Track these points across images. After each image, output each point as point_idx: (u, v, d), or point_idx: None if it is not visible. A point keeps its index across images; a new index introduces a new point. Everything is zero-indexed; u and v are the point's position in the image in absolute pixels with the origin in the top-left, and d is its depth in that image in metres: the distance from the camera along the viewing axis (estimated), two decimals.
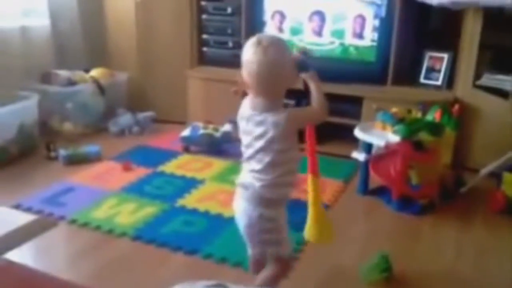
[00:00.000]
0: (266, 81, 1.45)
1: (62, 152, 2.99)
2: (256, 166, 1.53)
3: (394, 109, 2.63)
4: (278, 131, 1.46)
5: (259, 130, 1.49)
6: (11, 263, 1.85)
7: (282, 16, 3.36)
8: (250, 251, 1.69)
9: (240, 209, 1.61)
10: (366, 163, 2.63)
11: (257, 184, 1.53)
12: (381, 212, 2.52)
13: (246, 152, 1.56)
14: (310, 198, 1.74)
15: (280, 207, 1.60)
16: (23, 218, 1.24)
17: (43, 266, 1.93)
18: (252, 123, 1.51)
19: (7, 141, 2.93)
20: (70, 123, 3.36)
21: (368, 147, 2.64)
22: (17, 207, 2.41)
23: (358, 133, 2.62)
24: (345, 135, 3.08)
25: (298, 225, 2.31)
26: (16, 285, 1.68)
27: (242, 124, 1.55)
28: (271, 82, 1.46)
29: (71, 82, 3.41)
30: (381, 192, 2.64)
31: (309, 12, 3.26)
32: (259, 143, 1.50)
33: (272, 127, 1.47)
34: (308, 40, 3.30)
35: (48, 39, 3.56)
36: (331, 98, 3.10)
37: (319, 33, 3.28)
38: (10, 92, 3.09)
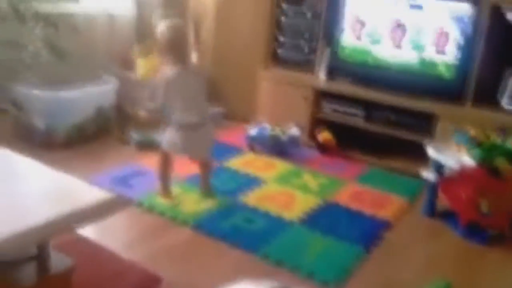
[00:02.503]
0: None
1: (134, 136, 3.11)
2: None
3: (472, 132, 2.52)
4: None
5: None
6: (82, 238, 1.95)
7: (362, 24, 3.31)
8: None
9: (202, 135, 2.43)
10: (435, 184, 2.54)
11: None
12: (446, 236, 2.42)
13: (189, 104, 2.36)
14: None
15: None
16: (100, 195, 1.28)
17: (105, 243, 2.02)
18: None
19: (85, 120, 3.08)
20: (144, 109, 3.47)
21: (439, 167, 2.54)
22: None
23: (431, 152, 2.53)
24: (412, 151, 2.99)
25: (356, 238, 2.28)
26: (84, 260, 1.77)
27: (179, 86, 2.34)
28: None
29: None
30: (448, 216, 2.53)
31: (390, 22, 3.20)
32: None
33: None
34: (386, 51, 3.23)
35: (132, 27, 3.71)
36: (404, 112, 3.08)
37: (398, 45, 3.20)
38: (93, 75, 3.24)
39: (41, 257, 1.29)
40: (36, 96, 2.84)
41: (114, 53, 3.58)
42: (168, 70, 2.35)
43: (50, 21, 2.62)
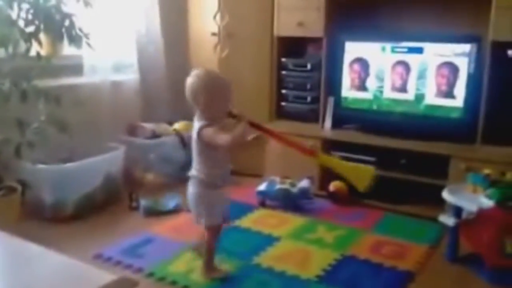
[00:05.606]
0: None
1: (143, 202, 3.06)
2: None
3: (486, 171, 2.45)
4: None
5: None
6: None
7: (362, 71, 3.32)
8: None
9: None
10: (455, 228, 2.44)
11: None
12: (473, 282, 2.31)
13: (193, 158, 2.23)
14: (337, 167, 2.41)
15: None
16: (106, 279, 1.22)
17: None
18: None
19: (93, 190, 3.05)
20: (152, 173, 3.46)
21: (457, 211, 2.46)
22: (99, 256, 2.47)
23: (447, 195, 2.46)
24: (429, 195, 2.91)
25: None
26: None
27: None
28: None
29: (155, 135, 3.53)
30: (472, 260, 2.42)
31: (390, 66, 3.21)
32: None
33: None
34: (389, 96, 3.22)
35: (136, 92, 3.74)
36: (415, 156, 3.02)
37: (402, 89, 3.19)
38: (100, 143, 3.25)
39: None
40: (42, 170, 2.84)
41: (120, 119, 3.59)
42: None
43: (52, 96, 2.63)
